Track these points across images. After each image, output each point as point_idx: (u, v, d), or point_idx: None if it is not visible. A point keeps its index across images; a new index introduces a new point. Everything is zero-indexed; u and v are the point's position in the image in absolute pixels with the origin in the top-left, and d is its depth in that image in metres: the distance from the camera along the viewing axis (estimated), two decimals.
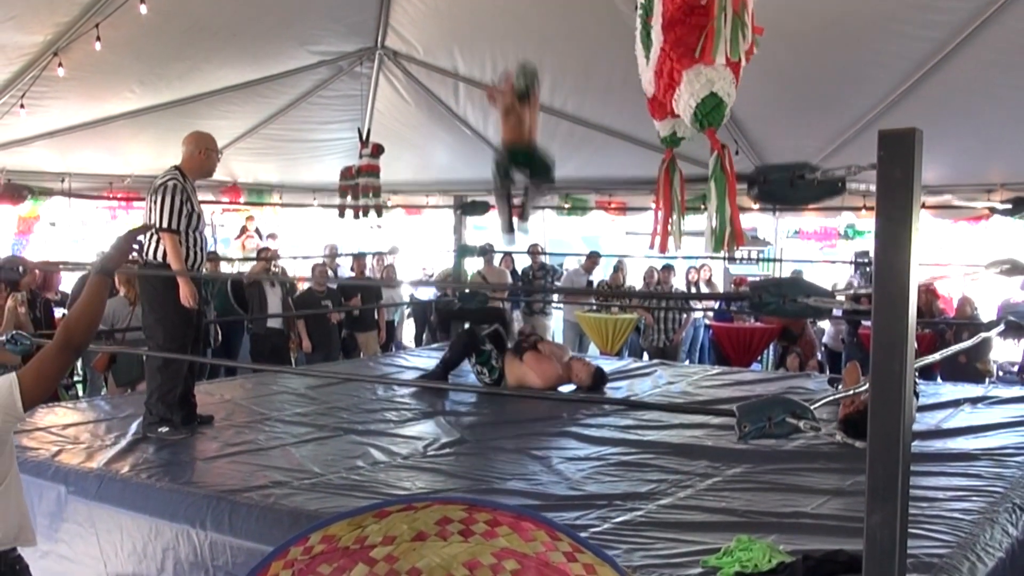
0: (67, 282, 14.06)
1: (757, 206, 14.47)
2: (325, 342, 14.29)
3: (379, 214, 13.52)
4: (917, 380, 8.49)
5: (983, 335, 9.20)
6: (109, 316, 11.63)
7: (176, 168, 7.79)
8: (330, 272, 16.41)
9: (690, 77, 4.36)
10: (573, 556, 2.78)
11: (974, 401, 9.26)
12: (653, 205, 5.07)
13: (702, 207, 15.74)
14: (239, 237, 19.19)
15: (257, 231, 19.04)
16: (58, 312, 13.06)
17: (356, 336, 15.16)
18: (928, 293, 13.73)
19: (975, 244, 16.81)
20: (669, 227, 4.96)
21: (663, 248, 5.05)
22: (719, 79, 4.38)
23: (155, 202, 7.49)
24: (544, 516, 2.75)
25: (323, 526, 2.78)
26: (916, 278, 3.75)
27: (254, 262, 14.98)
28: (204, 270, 8.42)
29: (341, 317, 14.77)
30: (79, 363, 12.85)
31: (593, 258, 17.32)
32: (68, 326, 4.37)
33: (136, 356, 11.35)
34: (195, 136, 8.18)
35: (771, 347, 16.42)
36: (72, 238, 19.65)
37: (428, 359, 11.92)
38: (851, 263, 19.02)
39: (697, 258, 17.86)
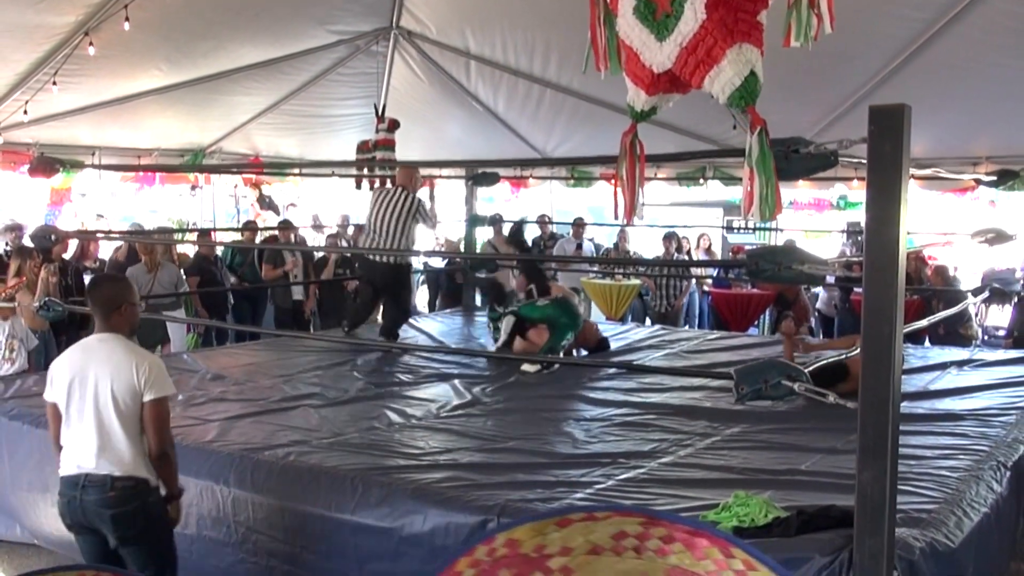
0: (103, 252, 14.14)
1: None
2: (339, 307, 14.28)
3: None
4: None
5: (966, 303, 9.23)
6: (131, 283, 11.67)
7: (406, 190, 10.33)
8: (344, 241, 16.34)
9: (732, 56, 4.33)
10: (744, 574, 2.73)
11: (960, 364, 9.25)
12: (619, 176, 5.00)
13: (701, 179, 15.82)
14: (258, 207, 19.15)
15: (266, 199, 18.94)
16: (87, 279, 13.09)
17: None
18: (918, 260, 13.68)
19: (961, 215, 16.78)
20: (636, 198, 4.94)
21: (628, 218, 5.03)
22: (756, 59, 4.37)
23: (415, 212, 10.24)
24: (721, 532, 2.69)
25: (509, 528, 2.76)
26: (904, 247, 3.74)
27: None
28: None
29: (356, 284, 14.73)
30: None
31: (579, 224, 17.34)
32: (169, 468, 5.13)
33: (158, 319, 11.37)
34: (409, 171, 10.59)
35: (767, 312, 16.38)
36: (102, 208, 19.67)
37: (440, 324, 11.93)
38: (843, 232, 18.99)
39: (696, 227, 17.87)
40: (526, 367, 8.95)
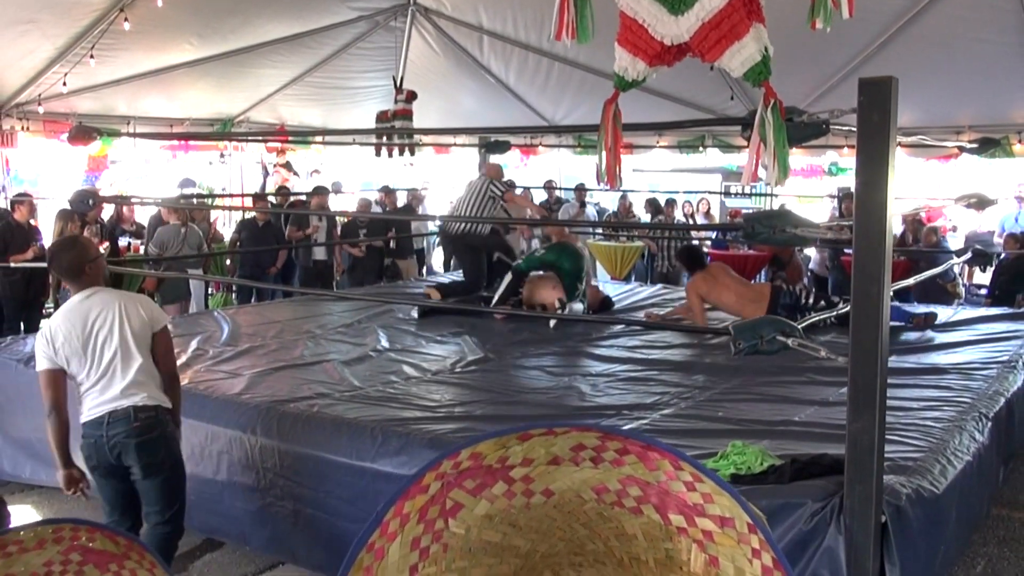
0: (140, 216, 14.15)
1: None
2: (363, 267, 14.33)
3: (412, 153, 13.44)
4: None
5: (949, 263, 9.20)
6: (164, 242, 11.71)
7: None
8: (378, 207, 16.31)
9: (755, 34, 4.35)
10: (693, 485, 2.74)
11: (944, 321, 9.21)
12: (599, 144, 5.03)
13: (700, 147, 15.79)
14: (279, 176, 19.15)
15: (287, 165, 18.93)
16: (122, 241, 13.08)
17: (398, 263, 15.15)
18: (915, 223, 13.69)
19: (945, 180, 16.76)
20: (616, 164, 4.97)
21: (612, 183, 5.05)
22: (767, 37, 4.39)
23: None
24: (670, 447, 2.71)
25: (473, 443, 2.78)
26: (891, 210, 3.73)
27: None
28: None
29: (380, 245, 14.75)
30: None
31: (580, 189, 17.38)
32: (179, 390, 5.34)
33: (182, 277, 11.43)
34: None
35: (762, 272, 16.35)
36: (137, 175, 19.70)
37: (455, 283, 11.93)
38: (834, 197, 18.93)
39: (697, 192, 17.88)
40: (553, 323, 8.99)
